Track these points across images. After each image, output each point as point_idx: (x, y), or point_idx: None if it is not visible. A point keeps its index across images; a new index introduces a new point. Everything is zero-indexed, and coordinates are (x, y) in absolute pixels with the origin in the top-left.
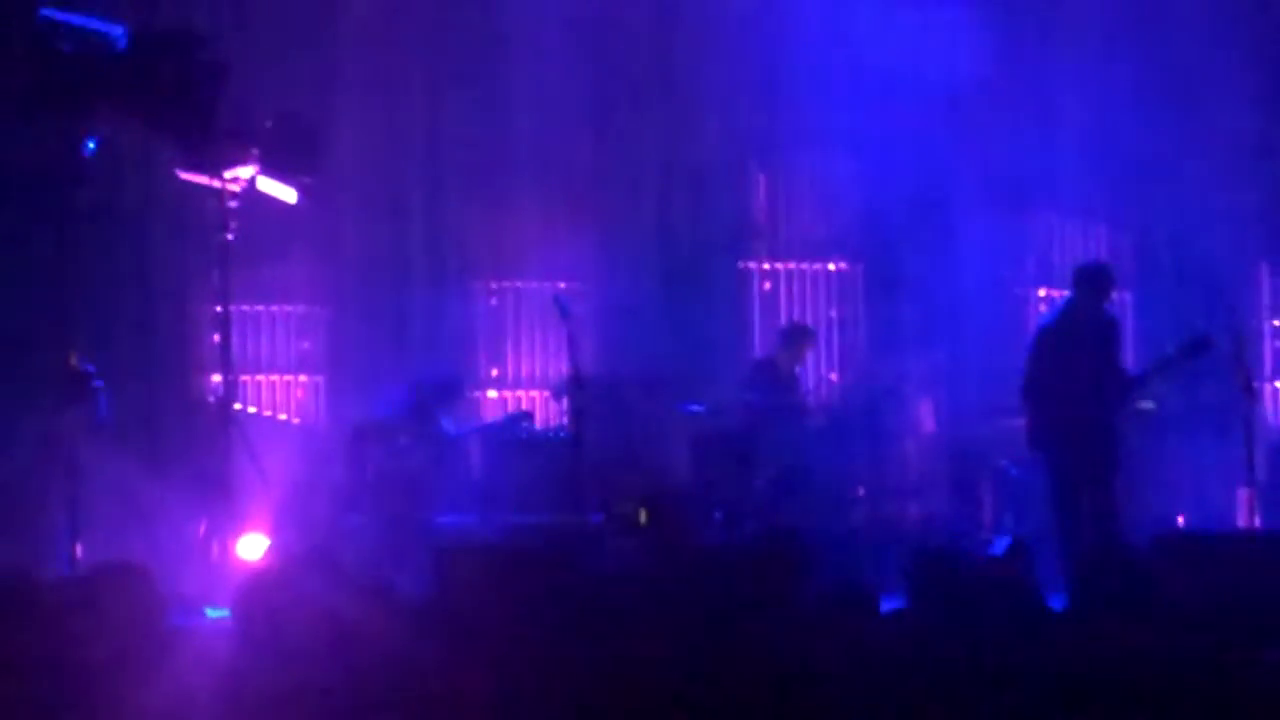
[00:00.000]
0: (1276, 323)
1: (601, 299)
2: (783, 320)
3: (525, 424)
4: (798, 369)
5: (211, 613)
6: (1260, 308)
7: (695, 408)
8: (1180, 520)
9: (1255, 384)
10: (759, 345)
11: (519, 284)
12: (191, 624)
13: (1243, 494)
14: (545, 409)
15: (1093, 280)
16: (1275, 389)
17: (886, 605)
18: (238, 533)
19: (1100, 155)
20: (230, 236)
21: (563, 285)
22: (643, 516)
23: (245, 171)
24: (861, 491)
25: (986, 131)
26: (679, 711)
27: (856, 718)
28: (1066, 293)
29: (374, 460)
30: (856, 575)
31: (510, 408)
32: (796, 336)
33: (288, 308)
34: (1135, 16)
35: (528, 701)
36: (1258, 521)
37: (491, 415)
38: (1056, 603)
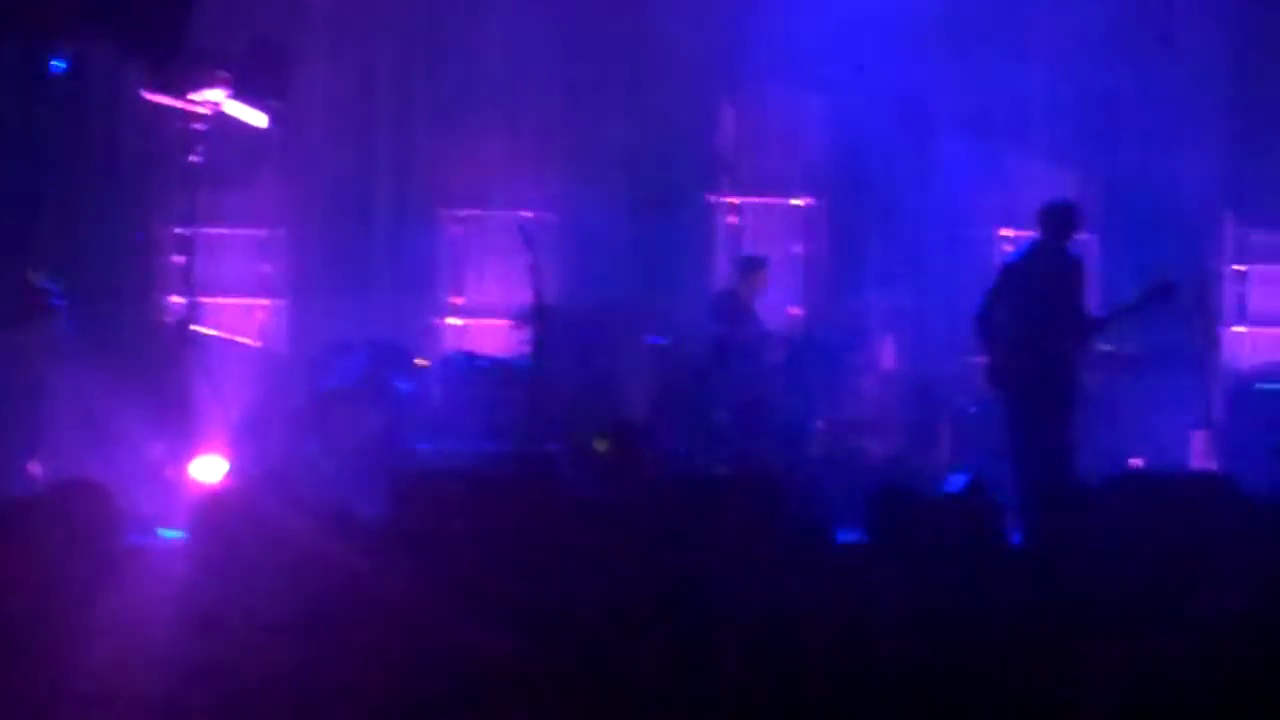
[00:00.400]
0: (1238, 268)
1: (566, 229)
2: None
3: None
4: (757, 302)
5: (166, 533)
6: (1223, 253)
7: (658, 340)
8: (1136, 461)
9: (1215, 328)
10: (723, 279)
11: (483, 213)
12: (147, 543)
13: (1198, 436)
14: (508, 338)
15: (1057, 219)
16: (1234, 333)
17: (843, 538)
18: (194, 454)
19: (1070, 98)
20: (196, 159)
21: (528, 215)
22: (602, 445)
23: (214, 94)
24: (821, 426)
25: (956, 71)
26: (637, 638)
27: (810, 648)
28: (1032, 233)
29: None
30: (814, 509)
31: (473, 336)
32: (751, 267)
33: (251, 231)
34: None
35: (486, 625)
36: (1213, 463)
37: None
38: (1012, 539)
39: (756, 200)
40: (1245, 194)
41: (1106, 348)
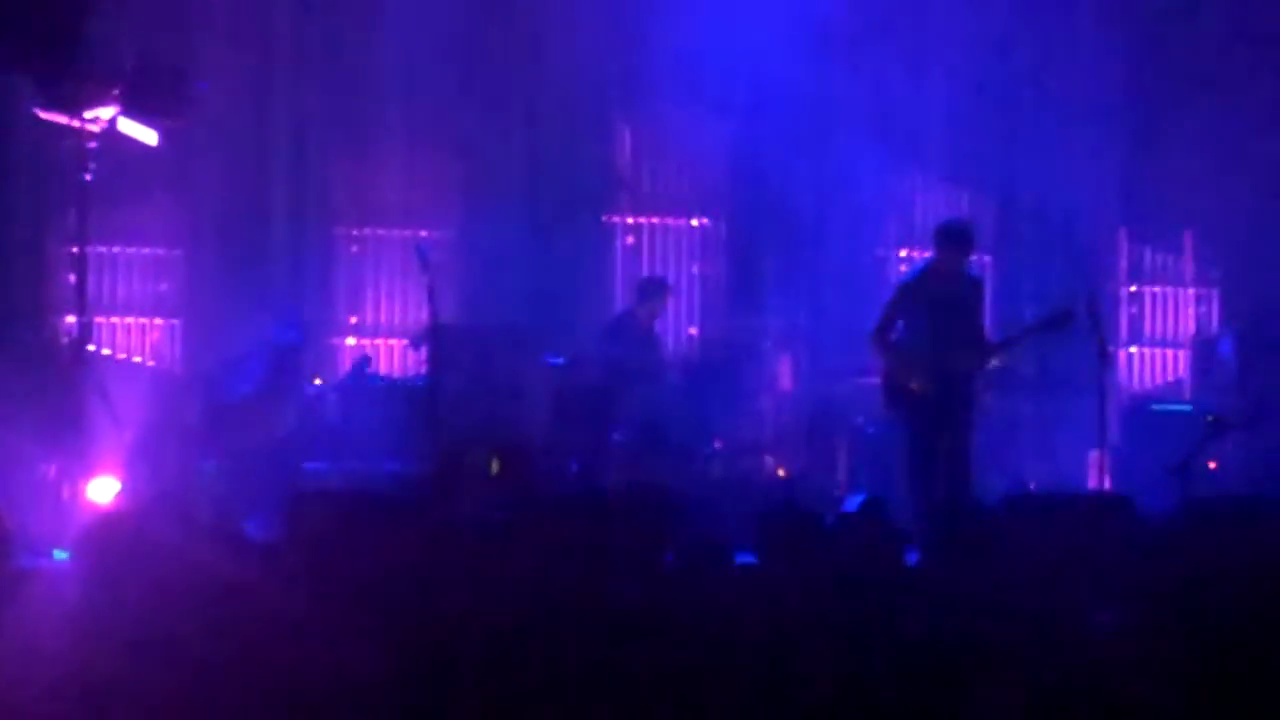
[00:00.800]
0: (1132, 289)
1: (464, 248)
2: (644, 274)
3: (368, 368)
4: (656, 323)
5: (60, 555)
6: (1117, 273)
7: (555, 360)
8: (1031, 481)
9: (1110, 349)
10: (621, 299)
11: (380, 231)
12: (39, 565)
13: (1094, 456)
14: (404, 358)
15: (953, 239)
16: (1129, 354)
17: (741, 560)
18: (88, 475)
19: (966, 119)
20: (88, 177)
21: (424, 234)
22: (494, 466)
23: (106, 112)
24: (718, 446)
25: (853, 92)
26: (528, 660)
27: (706, 671)
28: (929, 253)
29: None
30: (711, 530)
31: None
32: (651, 289)
33: (145, 250)
34: None
35: (377, 647)
36: (1108, 483)
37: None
38: (909, 559)
39: (655, 220)
40: (1139, 215)
41: (1003, 368)
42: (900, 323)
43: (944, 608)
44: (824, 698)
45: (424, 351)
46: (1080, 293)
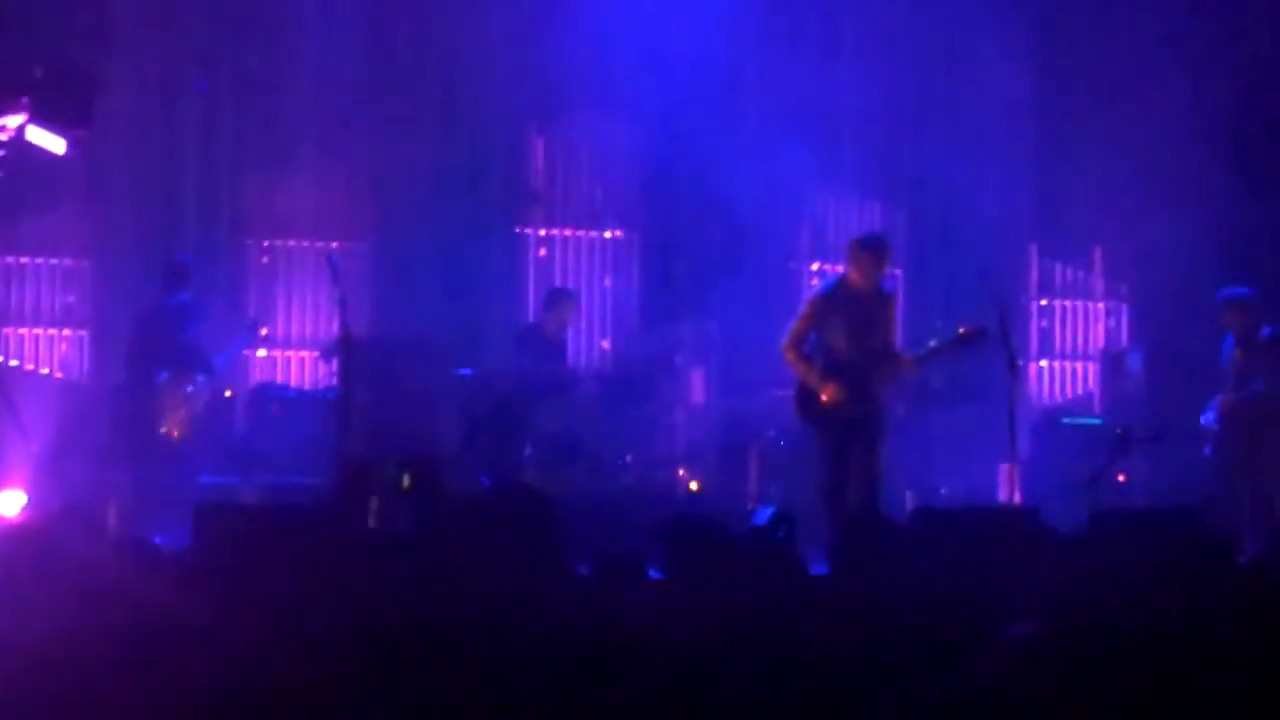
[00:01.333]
0: (1043, 303)
1: (375, 261)
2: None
3: (260, 334)
4: (565, 334)
5: None
6: (1028, 287)
7: (466, 372)
8: (942, 493)
9: (1020, 362)
10: (533, 311)
11: (291, 242)
12: None
13: (1004, 469)
14: (315, 370)
15: (868, 251)
16: (1039, 368)
17: (653, 572)
18: None
19: (876, 131)
20: None
21: (336, 245)
22: (405, 481)
23: (13, 120)
24: (629, 459)
25: (766, 104)
26: (434, 673)
27: (613, 682)
28: (840, 267)
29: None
30: (622, 542)
31: (280, 368)
32: (557, 300)
33: (53, 260)
34: None
35: (284, 659)
36: (1018, 496)
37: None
38: (816, 572)
39: (567, 232)
40: (1050, 229)
41: (914, 380)
42: (813, 335)
43: (849, 620)
44: (729, 711)
45: (335, 363)
46: (991, 306)
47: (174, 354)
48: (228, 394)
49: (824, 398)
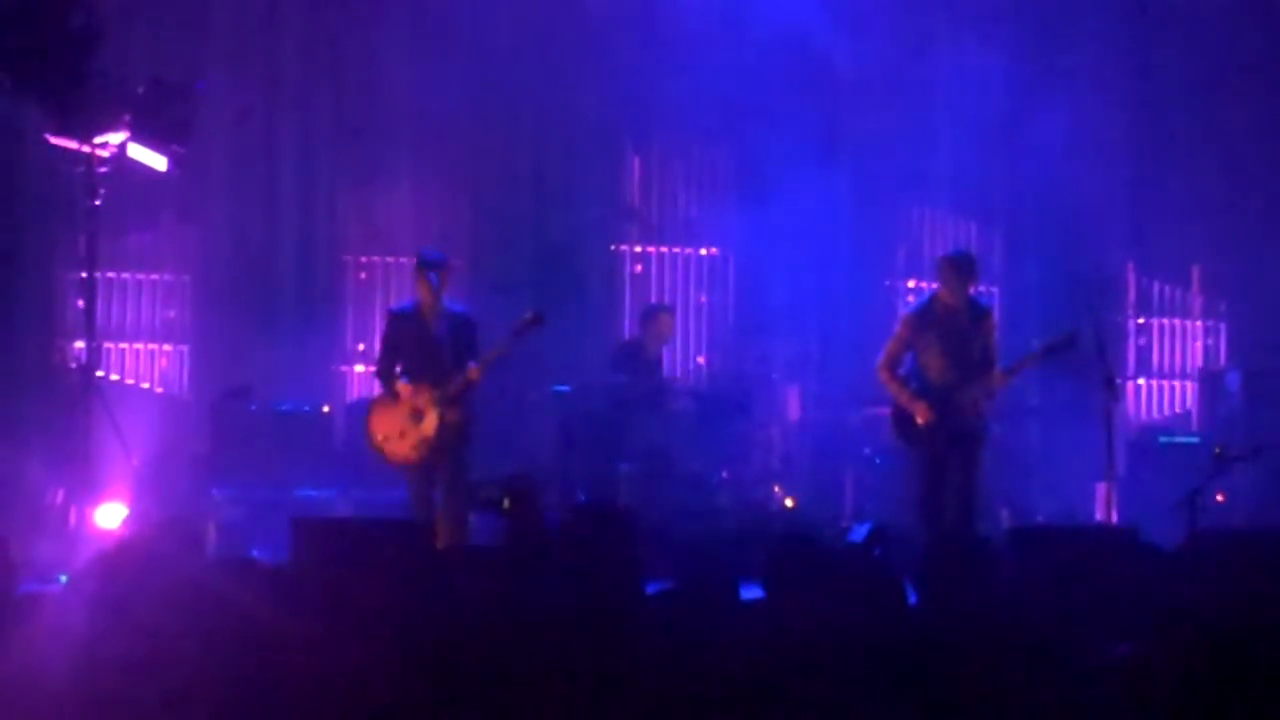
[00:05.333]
0: (1140, 321)
1: (473, 276)
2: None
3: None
4: (661, 351)
5: (67, 581)
6: (1125, 305)
7: (563, 389)
8: (1038, 513)
9: (1116, 380)
10: (629, 328)
11: (389, 259)
12: (46, 591)
13: (1101, 488)
14: None
15: (956, 268)
16: (1136, 386)
17: (748, 591)
18: (96, 501)
19: (973, 150)
20: (98, 202)
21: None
22: (506, 502)
23: (115, 137)
24: (725, 475)
25: (862, 122)
26: (532, 690)
27: (714, 706)
28: (933, 284)
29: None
30: (718, 561)
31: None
32: (653, 316)
33: (153, 276)
34: (1013, 8)
35: (385, 676)
36: (1114, 516)
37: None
38: (914, 589)
39: (663, 249)
40: (1147, 247)
41: (1011, 400)
42: (909, 355)
43: (945, 638)
44: None
45: None
46: (1087, 323)
47: None
48: (325, 409)
49: (918, 419)
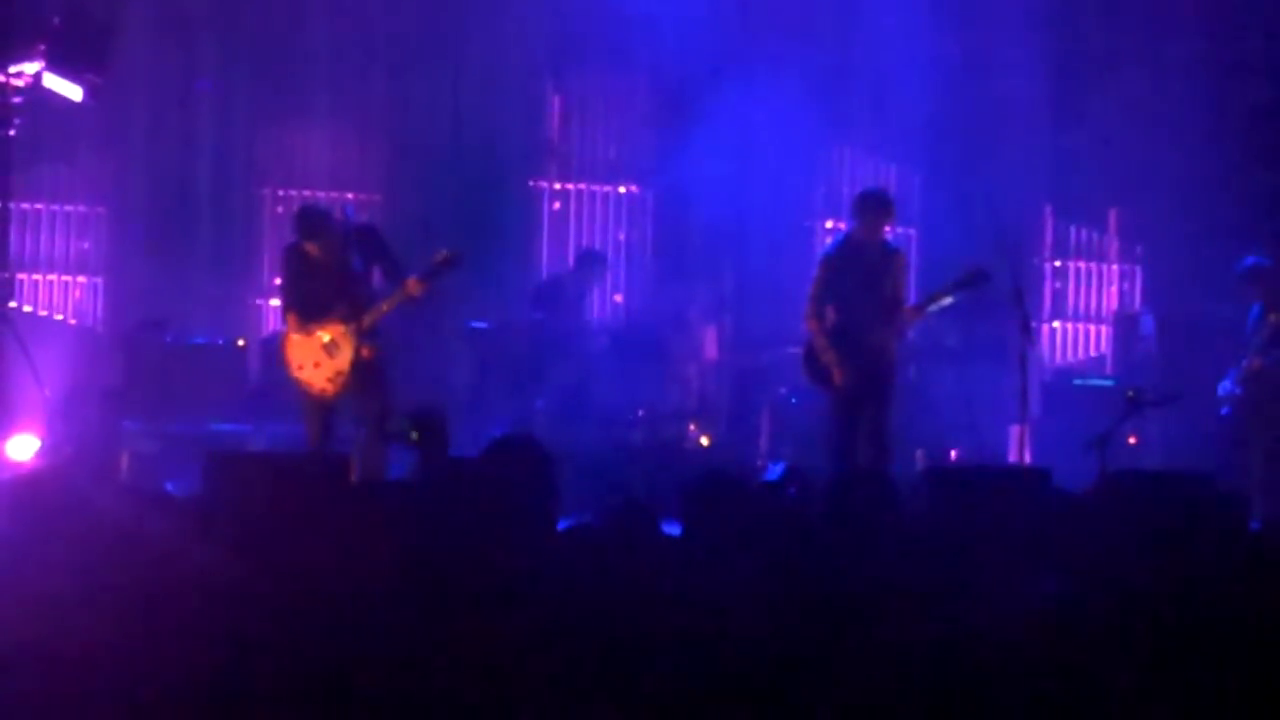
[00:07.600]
0: (1056, 264)
1: (390, 212)
2: (571, 240)
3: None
4: (587, 293)
5: None
6: (1041, 248)
7: (481, 325)
8: (953, 454)
9: (1032, 323)
10: (547, 265)
11: (306, 193)
12: None
13: (1016, 430)
14: None
15: (870, 206)
16: (1052, 329)
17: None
18: (8, 433)
19: (892, 93)
20: (12, 133)
21: (350, 196)
22: (414, 435)
23: (30, 67)
24: (641, 413)
25: (782, 61)
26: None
27: (627, 640)
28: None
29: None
30: (633, 498)
31: None
32: (590, 262)
33: (69, 207)
34: None
35: (299, 606)
36: (1028, 458)
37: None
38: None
39: (582, 186)
40: (1064, 191)
41: (926, 340)
42: (829, 295)
43: (857, 575)
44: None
45: None
46: (1004, 266)
47: None
48: (240, 343)
49: (835, 380)
